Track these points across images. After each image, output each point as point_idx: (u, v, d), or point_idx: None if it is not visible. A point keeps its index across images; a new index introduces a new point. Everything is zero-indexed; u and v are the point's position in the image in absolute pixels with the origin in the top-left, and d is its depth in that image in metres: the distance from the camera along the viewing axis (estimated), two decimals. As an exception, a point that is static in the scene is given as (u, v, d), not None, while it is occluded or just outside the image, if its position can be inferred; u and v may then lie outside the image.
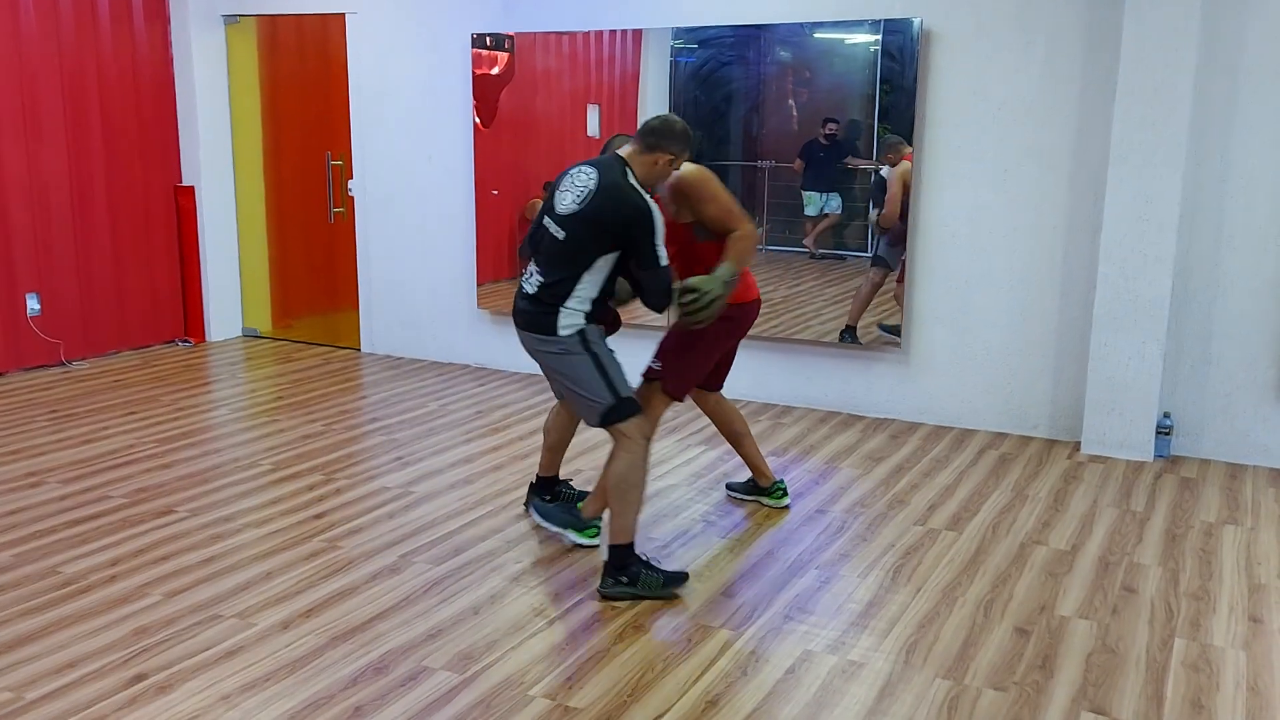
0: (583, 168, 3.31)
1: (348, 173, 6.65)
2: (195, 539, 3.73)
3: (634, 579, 3.27)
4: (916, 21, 5.00)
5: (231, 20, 6.75)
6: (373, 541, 3.72)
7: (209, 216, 6.87)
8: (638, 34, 5.68)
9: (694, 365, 3.69)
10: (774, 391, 5.61)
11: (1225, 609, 3.29)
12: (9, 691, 2.71)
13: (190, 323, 6.95)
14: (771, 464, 4.41)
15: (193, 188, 6.82)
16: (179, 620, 3.11)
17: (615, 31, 5.73)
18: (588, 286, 3.25)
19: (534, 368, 3.64)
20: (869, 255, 5.46)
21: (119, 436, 4.93)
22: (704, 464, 4.61)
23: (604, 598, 3.27)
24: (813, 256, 5.62)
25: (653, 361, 3.69)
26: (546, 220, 3.32)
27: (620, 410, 3.28)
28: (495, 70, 6.05)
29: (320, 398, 5.68)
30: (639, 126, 3.32)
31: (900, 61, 5.10)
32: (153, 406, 5.45)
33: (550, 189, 3.41)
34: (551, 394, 3.91)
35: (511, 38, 5.96)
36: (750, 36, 5.43)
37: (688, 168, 3.49)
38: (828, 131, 5.39)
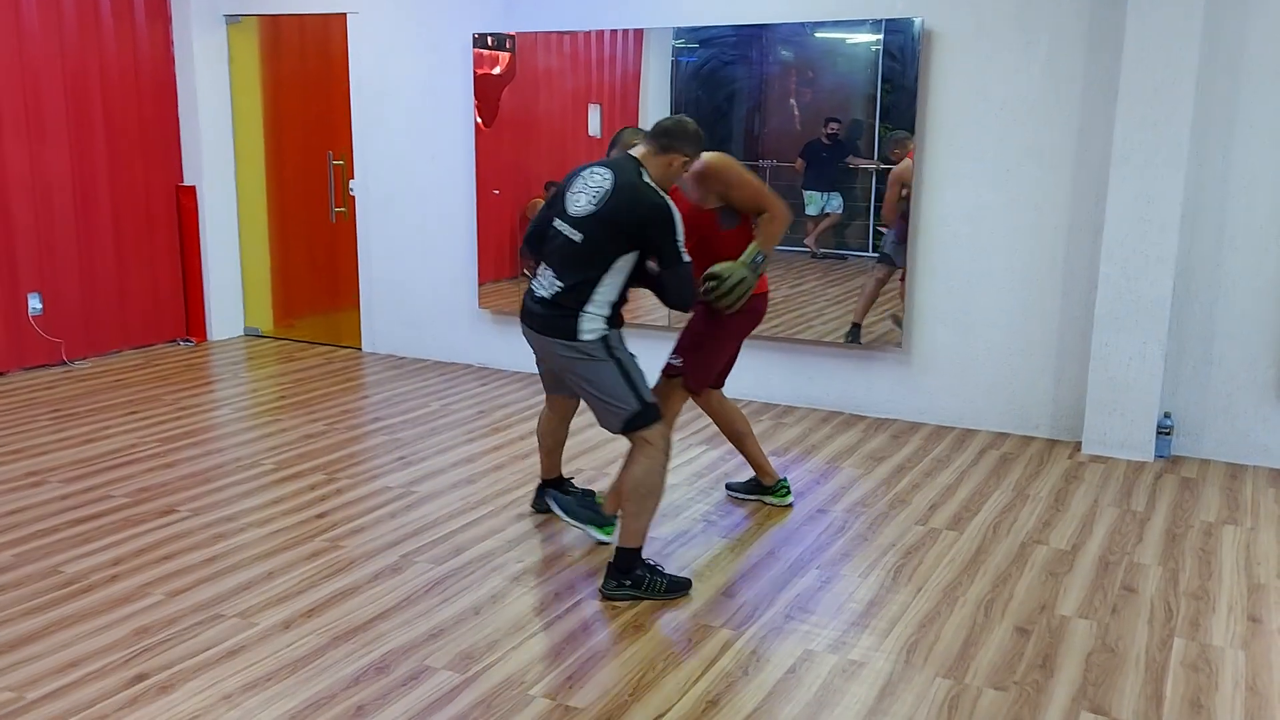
0: (595, 168, 3.27)
1: (349, 172, 6.65)
2: (197, 538, 3.73)
3: (638, 583, 3.27)
4: (917, 21, 5.00)
5: (233, 20, 6.76)
6: (374, 541, 3.73)
7: (210, 216, 6.88)
8: (639, 33, 5.68)
9: (714, 358, 3.73)
10: (775, 391, 5.62)
11: (1225, 609, 3.29)
12: (10, 691, 2.72)
13: (192, 322, 6.96)
14: (773, 464, 4.41)
15: (194, 187, 6.83)
16: (180, 620, 3.11)
17: (616, 31, 5.73)
18: (608, 289, 3.22)
19: (535, 367, 3.62)
20: (870, 255, 5.46)
21: (121, 436, 4.94)
22: (705, 464, 4.61)
23: (605, 598, 3.28)
24: (814, 256, 5.62)
25: (672, 357, 3.70)
26: (559, 223, 3.28)
27: (645, 416, 3.24)
28: (496, 70, 6.05)
29: (322, 397, 5.69)
30: (652, 128, 3.31)
31: (901, 61, 5.11)
32: (154, 406, 5.45)
33: (556, 189, 3.39)
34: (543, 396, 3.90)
35: (513, 37, 5.96)
36: (752, 36, 5.44)
37: (709, 155, 3.52)
38: (829, 131, 5.39)
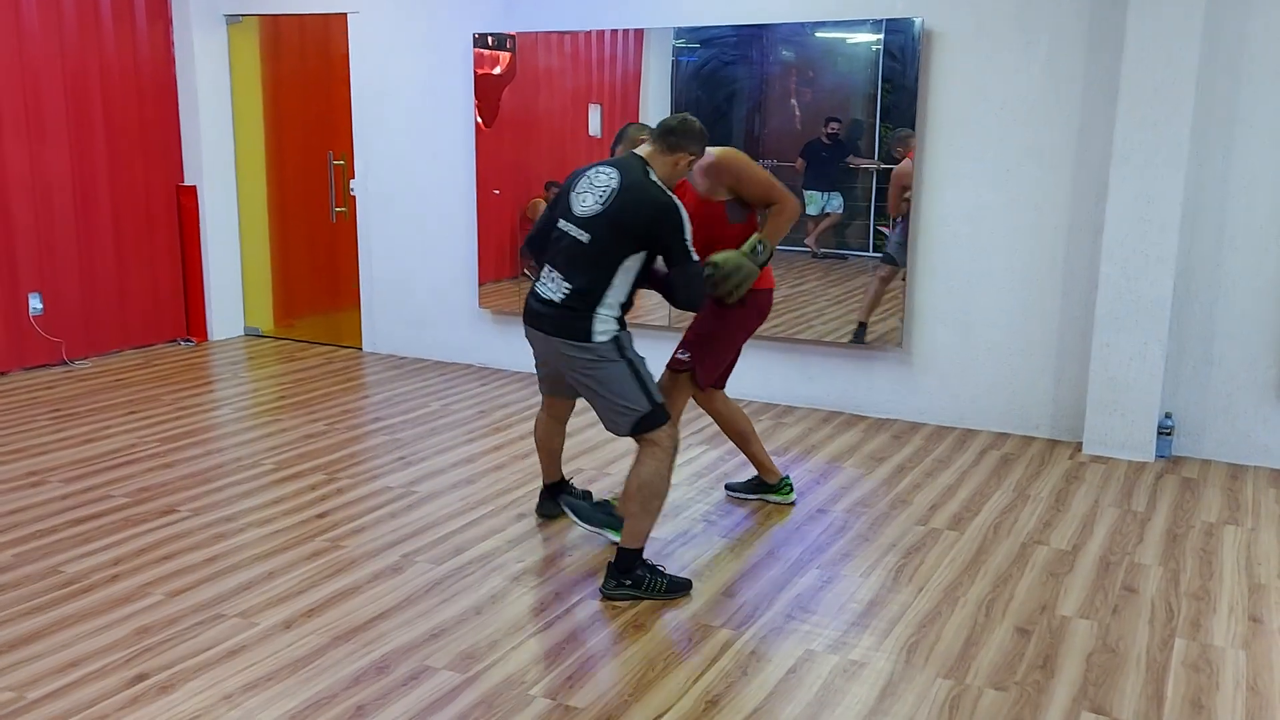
0: (600, 168, 3.25)
1: (349, 172, 6.65)
2: (197, 538, 3.73)
3: (638, 583, 3.26)
4: (918, 21, 5.00)
5: (233, 20, 6.76)
6: (375, 541, 3.73)
7: (211, 216, 6.88)
8: (639, 33, 5.68)
9: (722, 353, 3.74)
10: (776, 391, 5.62)
11: (1225, 609, 3.29)
12: (11, 691, 2.72)
13: (192, 322, 6.96)
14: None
15: (195, 187, 6.83)
16: (181, 620, 3.11)
17: (617, 31, 5.74)
18: (618, 290, 3.20)
19: (533, 365, 3.61)
20: (870, 255, 5.46)
21: (121, 436, 4.94)
22: (705, 464, 4.61)
23: (606, 598, 3.28)
24: (814, 256, 5.62)
25: (679, 352, 3.70)
26: (565, 224, 3.25)
27: (655, 418, 3.23)
28: (497, 70, 6.05)
29: (322, 397, 5.69)
30: (656, 126, 3.30)
31: (902, 61, 5.11)
32: (155, 406, 5.45)
33: (560, 190, 3.36)
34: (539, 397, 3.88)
35: (513, 37, 5.96)
36: (752, 36, 5.44)
37: (719, 149, 3.53)
38: (829, 131, 5.39)
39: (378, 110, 6.44)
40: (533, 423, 5.14)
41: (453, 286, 6.43)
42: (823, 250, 5.60)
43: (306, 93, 6.75)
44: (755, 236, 3.51)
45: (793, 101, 5.47)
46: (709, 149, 3.51)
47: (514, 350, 6.21)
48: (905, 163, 5.15)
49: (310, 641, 2.99)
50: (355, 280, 6.77)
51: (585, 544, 3.72)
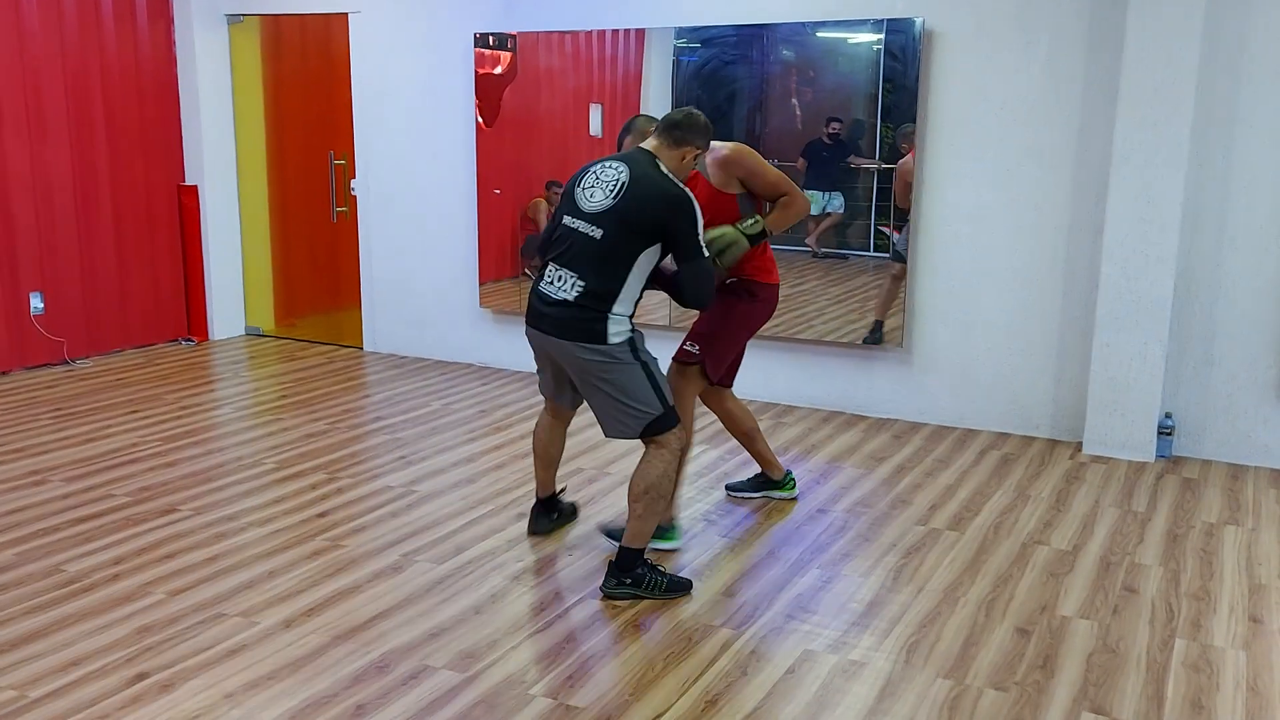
0: (607, 163, 3.21)
1: (350, 172, 6.66)
2: (198, 538, 3.74)
3: (638, 581, 3.26)
4: (918, 21, 5.00)
5: (235, 19, 6.76)
6: (375, 540, 3.73)
7: (212, 215, 6.89)
8: (640, 33, 5.68)
9: (731, 345, 3.73)
10: (776, 391, 5.62)
11: (1226, 609, 3.29)
12: (12, 690, 2.72)
13: (193, 321, 6.97)
14: (773, 463, 4.42)
15: (196, 187, 6.83)
16: (182, 619, 3.12)
17: (618, 30, 5.74)
18: (632, 288, 3.15)
19: (534, 365, 3.58)
20: (871, 254, 5.47)
21: (122, 435, 4.94)
22: (705, 463, 4.61)
23: (606, 597, 3.28)
24: (815, 255, 5.62)
25: (687, 344, 3.69)
26: (573, 221, 3.18)
27: (666, 420, 3.22)
28: (498, 70, 6.06)
29: (323, 396, 5.69)
30: (662, 121, 3.28)
31: (902, 61, 5.11)
32: (156, 405, 5.46)
33: (565, 188, 3.31)
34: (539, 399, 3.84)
35: (514, 37, 5.97)
36: (753, 36, 5.44)
37: (729, 144, 3.52)
38: (830, 131, 5.39)
39: (378, 110, 6.45)
40: (533, 421, 5.16)
41: (453, 286, 6.43)
42: (823, 250, 5.60)
43: (307, 92, 6.75)
44: (757, 217, 3.50)
45: (793, 101, 5.47)
46: (722, 143, 3.52)
47: (515, 350, 6.21)
48: (910, 157, 5.15)
49: (311, 641, 2.99)
50: (356, 280, 6.77)
51: (584, 544, 3.72)
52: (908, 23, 5.03)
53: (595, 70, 5.88)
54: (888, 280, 5.33)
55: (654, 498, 3.22)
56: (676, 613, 3.21)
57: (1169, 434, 4.78)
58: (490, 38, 6.00)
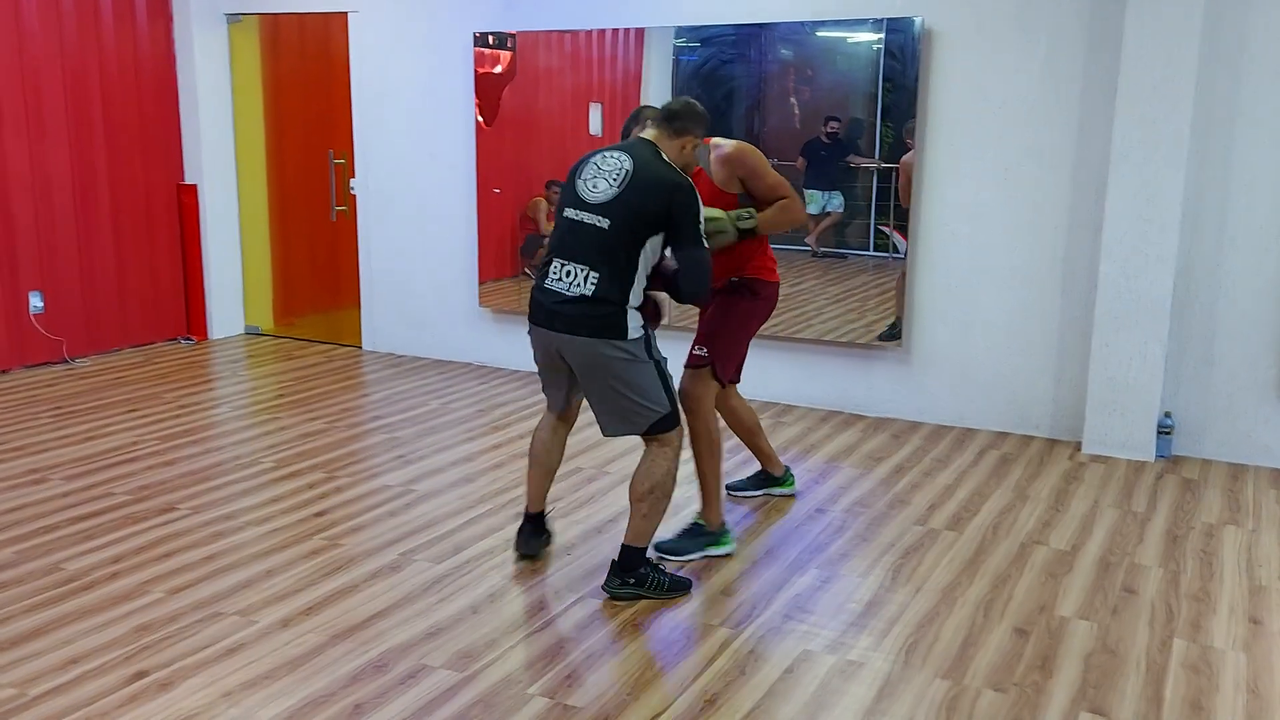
0: (608, 152, 3.18)
1: (350, 171, 6.65)
2: (197, 536, 3.73)
3: (641, 581, 3.26)
4: (918, 20, 5.00)
5: (234, 19, 6.76)
6: (373, 540, 3.73)
7: (211, 214, 6.88)
8: (640, 32, 5.68)
9: (739, 344, 3.74)
10: (775, 390, 5.61)
11: (1225, 610, 3.29)
12: (12, 688, 2.72)
13: (193, 320, 6.96)
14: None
15: (195, 186, 6.83)
16: (180, 617, 3.11)
17: (617, 30, 5.73)
18: (639, 279, 3.11)
19: (532, 365, 3.53)
20: (871, 254, 5.46)
21: (121, 434, 4.94)
22: (705, 463, 4.60)
23: (611, 597, 3.26)
24: (814, 255, 5.62)
25: (696, 349, 3.69)
26: (576, 212, 3.12)
27: (672, 419, 3.21)
28: (497, 69, 6.05)
29: (322, 395, 5.69)
30: (661, 111, 3.26)
31: (902, 60, 5.10)
32: (155, 404, 5.46)
33: (565, 180, 3.26)
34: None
35: (513, 36, 5.96)
36: (752, 35, 5.43)
37: (733, 141, 3.51)
38: (830, 130, 5.38)
39: (378, 109, 6.44)
40: (531, 421, 5.15)
41: (453, 285, 6.43)
42: (823, 249, 5.60)
43: (307, 91, 6.75)
44: (751, 210, 3.48)
45: (792, 100, 5.47)
46: (727, 140, 3.52)
47: (514, 349, 6.20)
48: (913, 153, 5.14)
49: (309, 640, 2.99)
50: (355, 279, 6.77)
51: (583, 543, 3.72)
52: (907, 22, 5.03)
53: (595, 69, 5.88)
54: (899, 279, 5.31)
55: (659, 496, 3.22)
56: (675, 612, 3.21)
57: (1169, 434, 4.78)
58: (490, 37, 6.00)
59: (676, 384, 3.37)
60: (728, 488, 4.24)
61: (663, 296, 3.35)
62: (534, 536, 3.53)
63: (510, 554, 3.61)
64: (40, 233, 6.10)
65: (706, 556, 3.59)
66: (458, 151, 6.25)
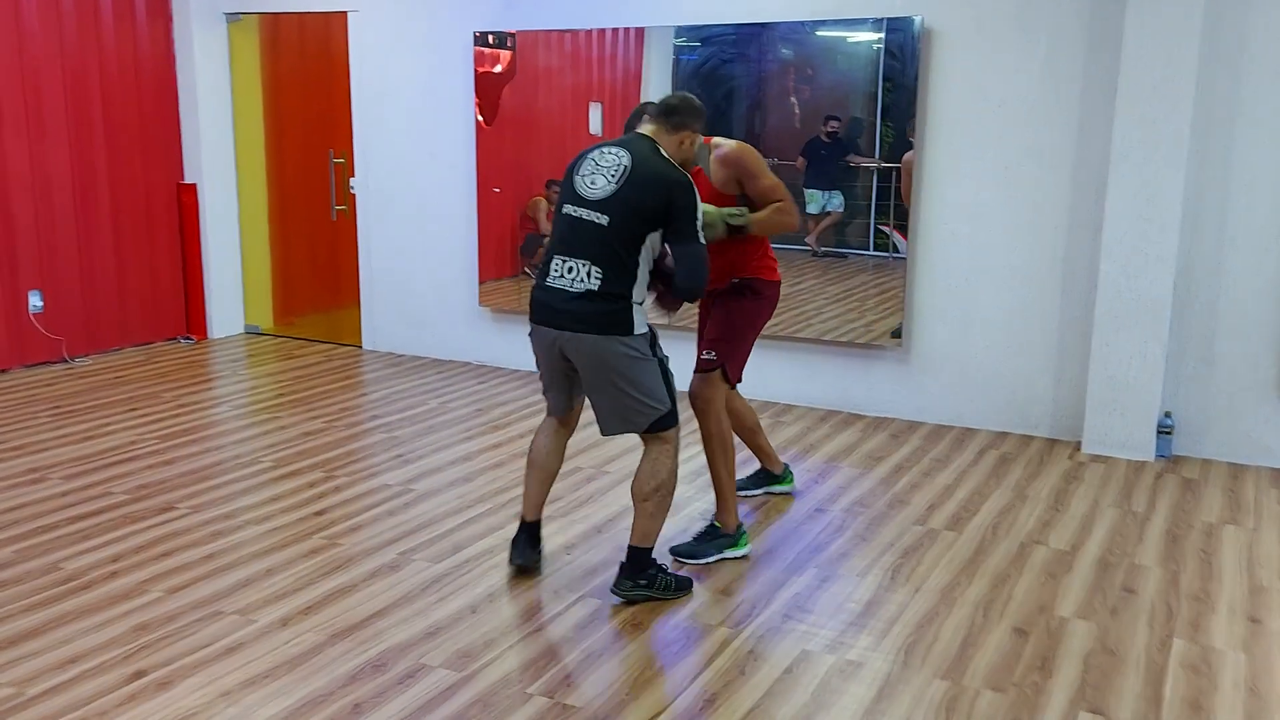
0: (605, 149, 3.16)
1: (349, 170, 6.65)
2: (196, 535, 3.73)
3: (652, 581, 3.24)
4: (917, 20, 5.00)
5: (234, 18, 6.76)
6: (372, 539, 3.73)
7: (211, 214, 6.88)
8: (640, 32, 5.68)
9: (743, 344, 3.73)
10: (774, 389, 5.61)
11: (1225, 610, 3.29)
12: (10, 687, 2.72)
13: (192, 320, 6.96)
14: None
15: (195, 185, 6.82)
16: (179, 617, 3.11)
17: (617, 29, 5.73)
18: (644, 273, 3.09)
19: (533, 364, 3.52)
20: (870, 253, 5.46)
21: (121, 433, 4.94)
22: (703, 462, 4.58)
23: (623, 599, 3.23)
24: (814, 254, 5.62)
25: (704, 353, 3.68)
26: (574, 209, 3.10)
27: (672, 417, 3.20)
28: (497, 68, 6.05)
29: (321, 395, 5.69)
30: (658, 106, 3.24)
31: (902, 60, 5.10)
32: (154, 403, 5.46)
33: (564, 176, 3.24)
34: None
35: (513, 36, 5.96)
36: (752, 34, 5.43)
37: (734, 142, 3.51)
38: (830, 129, 5.38)
39: (378, 108, 6.44)
40: (531, 420, 5.15)
41: (453, 285, 6.43)
42: (823, 249, 5.60)
43: (307, 90, 6.75)
44: (744, 209, 3.47)
45: (792, 100, 5.47)
46: (727, 140, 3.51)
47: (514, 349, 6.20)
48: (909, 153, 5.14)
49: (308, 639, 2.99)
50: (355, 278, 6.76)
51: (582, 542, 3.72)
52: (907, 21, 5.03)
53: (595, 69, 5.87)
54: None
55: (664, 495, 3.21)
56: (674, 612, 3.21)
57: (1168, 433, 4.78)
58: (490, 36, 6.00)
59: (684, 386, 3.36)
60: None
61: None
62: (530, 547, 3.44)
63: (509, 553, 3.60)
64: (40, 232, 6.10)
65: (724, 559, 3.58)
66: (458, 151, 6.25)
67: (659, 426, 3.19)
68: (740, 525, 3.68)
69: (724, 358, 3.67)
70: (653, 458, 3.22)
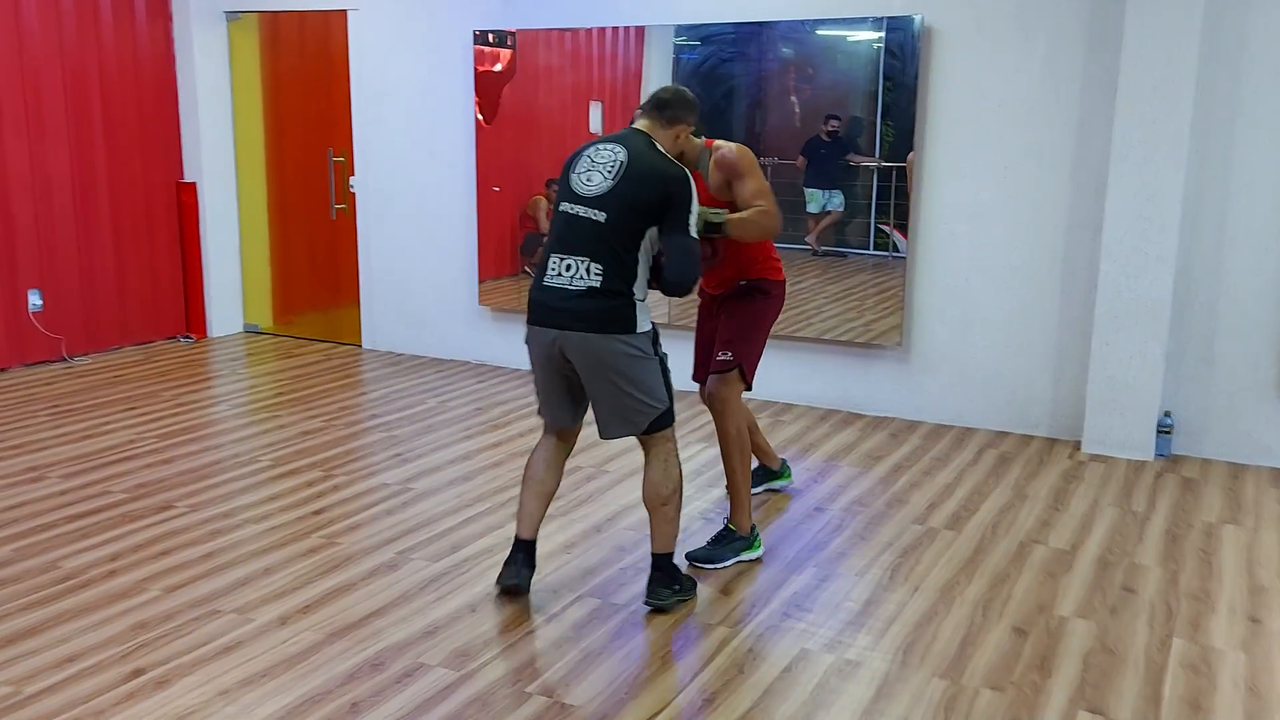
0: (601, 145, 3.13)
1: (349, 169, 6.65)
2: (194, 534, 3.73)
3: (682, 585, 3.23)
4: (917, 19, 4.99)
5: (233, 17, 6.75)
6: (371, 538, 3.73)
7: (211, 212, 6.88)
8: (640, 30, 5.67)
9: (758, 344, 3.73)
10: (774, 389, 5.61)
11: (1225, 610, 3.28)
12: (8, 685, 2.72)
13: (192, 319, 6.96)
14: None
15: (194, 184, 6.82)
16: (177, 615, 3.11)
17: (617, 28, 5.73)
18: (644, 270, 3.07)
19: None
20: (871, 253, 5.46)
21: (120, 432, 4.93)
22: (703, 461, 4.60)
23: (658, 610, 3.17)
24: (815, 254, 5.62)
25: (720, 354, 3.67)
26: (571, 206, 3.07)
27: (669, 416, 3.17)
28: (497, 67, 6.05)
29: (320, 394, 5.69)
30: (652, 101, 3.21)
31: (902, 59, 5.10)
32: (153, 402, 5.45)
33: (561, 174, 3.20)
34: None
35: (513, 34, 5.96)
36: (752, 33, 5.43)
37: (732, 145, 3.49)
38: (830, 129, 5.38)
39: (378, 107, 6.44)
40: (530, 419, 5.15)
41: (452, 284, 6.42)
42: (823, 248, 5.59)
43: (306, 89, 6.74)
44: (723, 211, 3.40)
45: (792, 99, 5.47)
46: (727, 143, 3.50)
47: (513, 348, 6.20)
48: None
49: (306, 638, 2.98)
50: (355, 277, 6.76)
51: (581, 542, 3.72)
52: (907, 20, 5.02)
53: (595, 68, 5.87)
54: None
55: (679, 496, 3.20)
56: (673, 611, 3.20)
57: (1168, 433, 4.77)
58: (490, 35, 6.00)
59: (680, 386, 3.35)
60: (727, 487, 4.23)
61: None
62: (525, 566, 3.27)
63: (508, 552, 3.58)
64: (40, 231, 6.10)
65: (740, 562, 3.56)
66: (457, 150, 6.24)
67: (657, 426, 3.17)
68: (754, 527, 3.67)
69: (740, 358, 3.66)
70: (661, 460, 3.17)
